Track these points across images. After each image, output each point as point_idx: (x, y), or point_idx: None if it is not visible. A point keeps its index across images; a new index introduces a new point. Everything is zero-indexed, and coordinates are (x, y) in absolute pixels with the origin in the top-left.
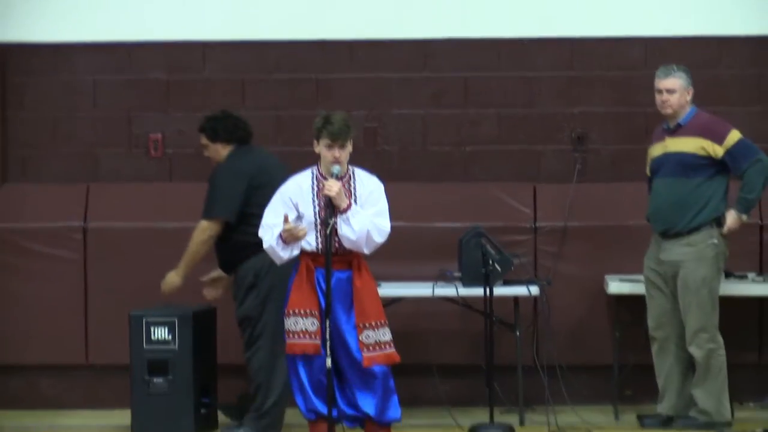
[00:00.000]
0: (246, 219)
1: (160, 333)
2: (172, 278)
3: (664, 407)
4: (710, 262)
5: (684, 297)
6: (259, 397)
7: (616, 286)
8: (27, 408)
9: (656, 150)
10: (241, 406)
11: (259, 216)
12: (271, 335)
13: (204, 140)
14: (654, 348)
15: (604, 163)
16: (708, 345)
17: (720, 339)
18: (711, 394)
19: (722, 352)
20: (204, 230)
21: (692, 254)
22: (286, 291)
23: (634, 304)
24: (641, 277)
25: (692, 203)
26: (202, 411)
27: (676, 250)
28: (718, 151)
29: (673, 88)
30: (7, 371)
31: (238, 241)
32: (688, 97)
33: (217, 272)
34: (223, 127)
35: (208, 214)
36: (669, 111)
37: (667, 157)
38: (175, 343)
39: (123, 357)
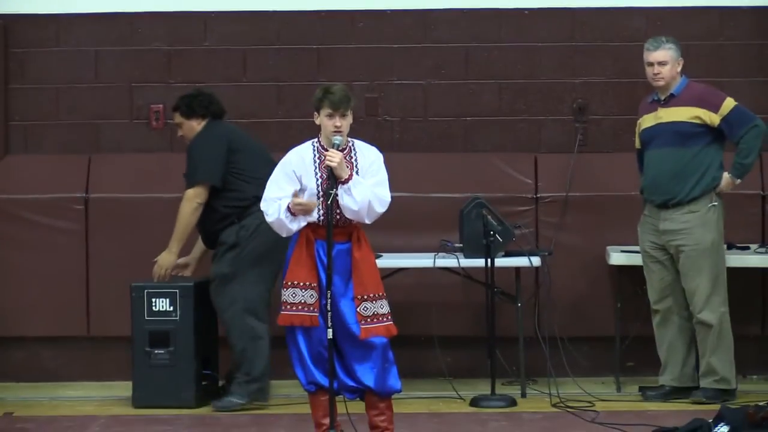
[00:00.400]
0: (227, 185)
1: (162, 304)
2: (166, 259)
3: (666, 379)
4: (714, 225)
5: (693, 264)
6: (246, 363)
7: (618, 257)
8: (28, 380)
9: (647, 121)
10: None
11: (241, 181)
12: (251, 301)
13: (178, 118)
14: (656, 320)
15: (605, 134)
16: (721, 308)
17: (727, 305)
18: (727, 361)
19: (728, 317)
20: (191, 199)
21: (696, 220)
22: (270, 259)
23: (635, 275)
24: None
25: (691, 172)
26: (204, 383)
27: (678, 219)
28: (714, 119)
29: (665, 60)
30: (8, 343)
31: (220, 209)
32: (679, 68)
33: (183, 259)
34: (198, 103)
35: (192, 181)
36: (661, 83)
37: (661, 128)
38: (176, 315)
39: (124, 329)
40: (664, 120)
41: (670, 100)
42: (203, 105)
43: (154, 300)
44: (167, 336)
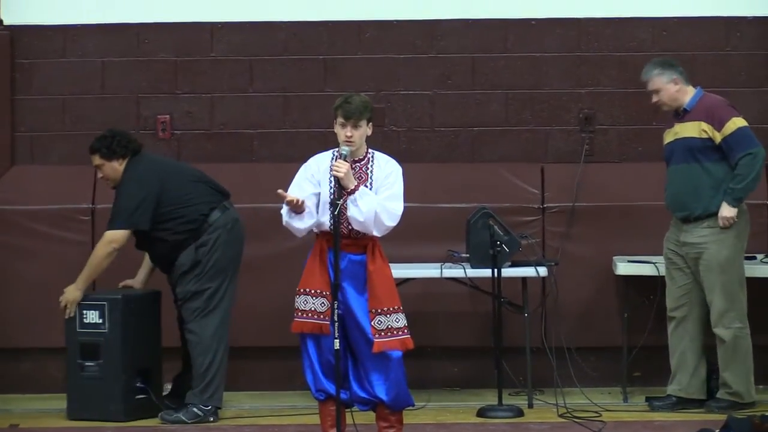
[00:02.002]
0: (168, 216)
1: (92, 316)
2: (73, 293)
3: (674, 388)
4: (732, 242)
5: (708, 278)
6: (212, 377)
7: (625, 267)
8: (35, 392)
9: (668, 137)
10: (177, 389)
11: (181, 208)
12: (224, 309)
13: (98, 160)
14: (670, 327)
15: (611, 144)
16: (734, 325)
17: (746, 319)
18: (741, 376)
19: (748, 332)
20: (109, 243)
21: (713, 235)
22: (234, 269)
23: (642, 284)
24: (650, 258)
25: (706, 187)
26: (137, 397)
27: (696, 233)
28: (716, 136)
29: (657, 88)
30: (15, 354)
31: (170, 239)
32: (678, 86)
33: (129, 281)
34: (117, 143)
35: (111, 225)
36: (665, 109)
37: (678, 143)
38: (105, 327)
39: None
40: (680, 135)
41: (685, 115)
42: (122, 144)
43: (85, 312)
44: (97, 348)
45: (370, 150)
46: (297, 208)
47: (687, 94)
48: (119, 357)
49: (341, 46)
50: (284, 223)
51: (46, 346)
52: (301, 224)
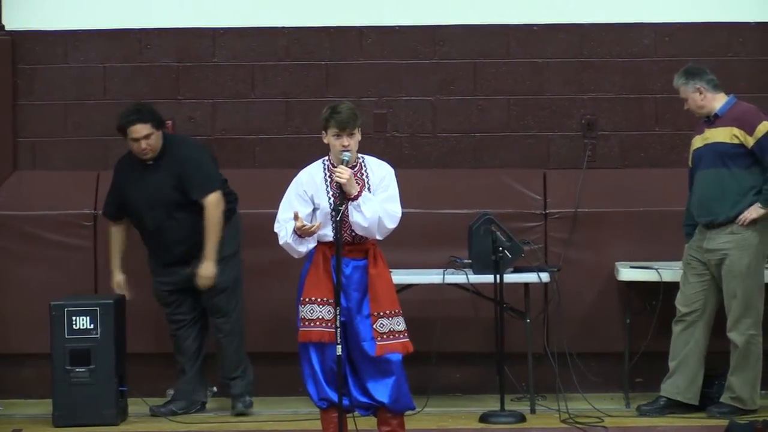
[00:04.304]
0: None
1: (82, 322)
2: (211, 269)
3: (669, 390)
4: (754, 250)
5: (729, 284)
6: (244, 358)
7: (627, 272)
8: (37, 397)
9: (697, 142)
10: (187, 392)
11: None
12: (243, 302)
13: (149, 129)
14: (677, 329)
15: (614, 150)
16: (749, 331)
17: (760, 327)
18: (747, 382)
19: (761, 339)
20: (218, 205)
21: (736, 242)
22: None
23: (644, 290)
24: (652, 264)
25: (732, 193)
26: (120, 400)
27: (719, 239)
28: (749, 141)
29: (685, 97)
30: (17, 360)
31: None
32: (703, 94)
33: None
34: (157, 113)
35: (214, 186)
36: (697, 115)
37: (707, 148)
38: (97, 332)
39: (135, 344)
40: (710, 140)
41: (715, 121)
42: (161, 117)
43: (74, 318)
44: (88, 354)
45: (359, 155)
46: (309, 234)
47: (716, 101)
48: (111, 362)
49: (343, 51)
50: (282, 243)
51: (48, 352)
52: (303, 247)
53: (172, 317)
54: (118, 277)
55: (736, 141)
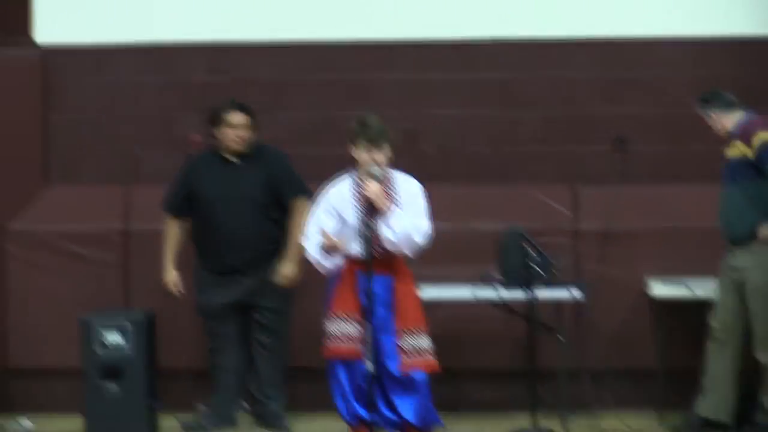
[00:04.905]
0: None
1: (113, 338)
2: (293, 270)
3: (702, 408)
4: None
5: (752, 303)
6: (283, 394)
7: (659, 288)
8: (69, 412)
9: (724, 161)
10: (225, 408)
11: None
12: None
13: (247, 120)
14: (712, 347)
15: (645, 165)
16: None
17: None
18: None
19: None
20: (307, 207)
21: (753, 261)
22: None
23: (677, 307)
24: (684, 280)
25: (744, 208)
26: (151, 415)
27: (740, 257)
28: (748, 152)
29: (708, 123)
30: (48, 374)
31: (282, 220)
32: (718, 117)
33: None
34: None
35: (306, 190)
36: (721, 137)
37: (725, 167)
38: (128, 348)
39: (167, 359)
40: (726, 158)
41: (729, 139)
42: None
43: (105, 333)
44: (119, 369)
45: (388, 170)
46: (337, 251)
47: (730, 120)
48: (141, 377)
49: (372, 67)
50: (311, 258)
51: (79, 367)
52: (329, 263)
53: (216, 331)
54: (173, 274)
55: (740, 155)
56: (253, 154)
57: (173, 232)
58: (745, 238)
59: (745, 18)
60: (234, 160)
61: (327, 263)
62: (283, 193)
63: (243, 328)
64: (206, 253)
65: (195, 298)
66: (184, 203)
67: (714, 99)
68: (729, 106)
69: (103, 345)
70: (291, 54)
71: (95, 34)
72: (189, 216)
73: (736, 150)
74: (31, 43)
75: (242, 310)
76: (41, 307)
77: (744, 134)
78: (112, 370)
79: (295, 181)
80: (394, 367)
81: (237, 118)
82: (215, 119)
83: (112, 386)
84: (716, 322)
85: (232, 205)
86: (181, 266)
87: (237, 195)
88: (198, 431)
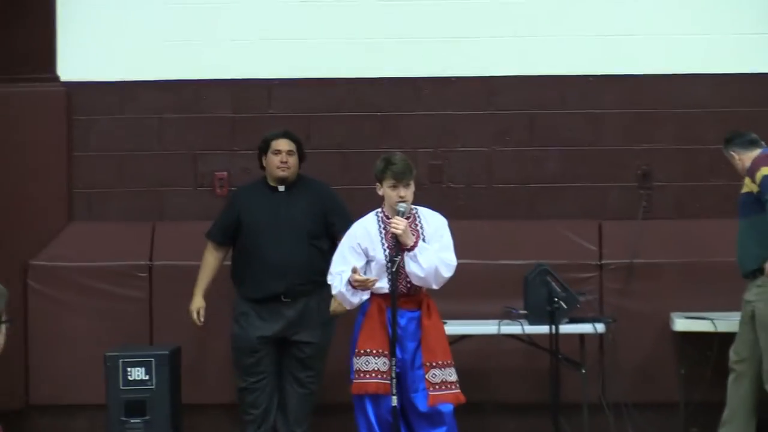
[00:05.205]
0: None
1: (138, 373)
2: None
3: None
4: None
5: (760, 337)
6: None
7: (682, 323)
8: None
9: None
10: None
11: None
12: None
13: (293, 147)
14: (730, 378)
15: (669, 201)
16: None
17: None
18: None
19: None
20: None
21: (760, 295)
22: None
23: (699, 341)
24: (707, 314)
25: (752, 243)
26: None
27: (751, 290)
28: (754, 188)
29: (731, 162)
30: (70, 410)
31: (328, 250)
32: (738, 157)
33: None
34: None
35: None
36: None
37: (738, 202)
38: (152, 383)
39: (195, 396)
40: (740, 193)
41: (745, 176)
42: None
43: (129, 369)
44: (143, 405)
45: (413, 206)
46: (366, 288)
47: (747, 158)
48: (167, 413)
49: (398, 102)
50: (336, 293)
51: (101, 403)
52: (356, 298)
53: (253, 369)
54: (200, 301)
55: (747, 190)
56: (299, 184)
57: (211, 261)
58: (753, 272)
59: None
60: (281, 188)
61: (354, 299)
62: (335, 223)
63: (277, 361)
64: (249, 281)
65: (232, 331)
66: (229, 232)
67: (735, 139)
68: (750, 145)
69: (128, 380)
70: (317, 91)
71: (119, 71)
72: (230, 246)
73: (746, 186)
74: (56, 79)
75: (279, 343)
76: (64, 343)
77: (751, 170)
78: (137, 405)
79: (346, 214)
80: (420, 401)
81: (282, 144)
82: (262, 146)
83: (136, 422)
84: (734, 354)
85: (280, 232)
86: (210, 299)
87: (285, 222)
88: None
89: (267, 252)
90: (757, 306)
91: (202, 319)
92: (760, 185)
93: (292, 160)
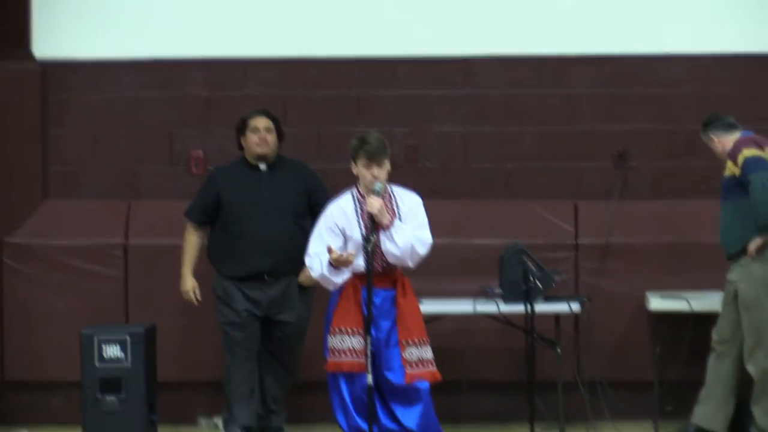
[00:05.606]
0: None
1: (113, 351)
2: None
3: (697, 417)
4: (760, 282)
5: (742, 316)
6: (283, 409)
7: (657, 302)
8: (68, 424)
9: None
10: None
11: None
12: None
13: (271, 125)
14: (711, 357)
15: (645, 181)
16: (763, 363)
17: None
18: (765, 412)
19: None
20: None
21: (743, 275)
22: None
23: (674, 320)
24: (682, 294)
25: (734, 225)
26: (150, 428)
27: (734, 271)
28: (736, 171)
29: (708, 146)
30: (48, 387)
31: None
32: (717, 140)
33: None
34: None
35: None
36: (722, 159)
37: (721, 185)
38: (128, 361)
39: (170, 374)
40: (723, 177)
41: (728, 159)
42: None
43: (104, 347)
44: (119, 382)
45: (389, 186)
46: (345, 264)
47: (729, 141)
48: (141, 390)
49: (375, 83)
50: (317, 275)
51: (78, 380)
52: (339, 278)
53: (243, 345)
54: (193, 282)
55: (731, 174)
56: (280, 164)
57: (194, 241)
58: (736, 253)
59: (744, 35)
60: (261, 167)
61: (338, 279)
62: (319, 203)
63: (261, 340)
64: (233, 259)
65: (219, 310)
66: (209, 212)
67: (714, 122)
68: (729, 128)
69: (103, 358)
70: (293, 70)
71: (94, 49)
72: (209, 225)
73: (728, 170)
74: (30, 57)
75: (263, 322)
76: (39, 320)
77: (732, 153)
78: (112, 383)
79: (327, 194)
80: (396, 378)
81: (260, 121)
82: (240, 126)
83: (111, 399)
84: (715, 333)
85: (264, 211)
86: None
87: (270, 201)
88: None
89: (252, 230)
90: (740, 286)
91: (199, 298)
92: (742, 167)
93: (271, 138)
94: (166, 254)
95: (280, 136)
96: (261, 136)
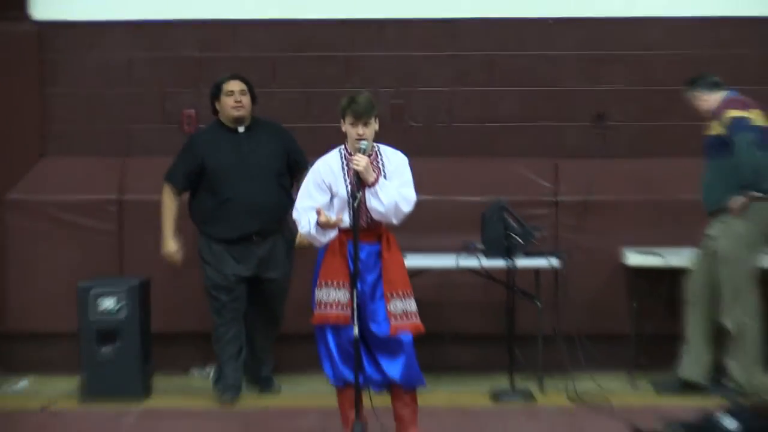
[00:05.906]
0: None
1: (108, 303)
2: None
3: (680, 369)
4: (738, 236)
5: (720, 272)
6: (272, 358)
7: (634, 258)
8: (63, 373)
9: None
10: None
11: None
12: None
13: (244, 87)
14: (687, 310)
15: (624, 140)
16: (740, 318)
17: (754, 311)
18: (743, 366)
19: (755, 325)
20: None
21: (723, 230)
22: None
23: (651, 275)
24: (659, 250)
25: (716, 183)
26: (145, 377)
27: (713, 227)
28: (721, 130)
29: (691, 104)
30: (43, 338)
31: (290, 189)
32: (702, 97)
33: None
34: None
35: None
36: (706, 117)
37: (705, 144)
38: (123, 314)
39: (164, 325)
40: (706, 135)
41: (712, 118)
42: None
43: (100, 299)
44: (114, 334)
45: (375, 144)
46: (332, 227)
47: (713, 100)
48: (136, 341)
49: (362, 43)
50: (305, 232)
51: (74, 331)
52: (326, 237)
53: (231, 306)
54: (174, 244)
55: (714, 133)
56: (256, 126)
57: (172, 205)
58: (717, 210)
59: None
60: (239, 129)
61: (324, 238)
62: (298, 161)
63: (246, 297)
64: (221, 222)
65: (206, 273)
66: (190, 177)
67: (699, 80)
68: (714, 86)
69: (99, 311)
70: (281, 32)
71: (90, 11)
72: (189, 190)
73: (713, 129)
74: (27, 18)
75: (250, 281)
76: (38, 273)
77: (717, 113)
78: (108, 334)
79: (302, 152)
80: (381, 330)
81: (234, 85)
82: (214, 91)
83: (107, 350)
84: (690, 285)
85: (249, 173)
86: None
87: (253, 163)
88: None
89: (238, 193)
90: (720, 242)
91: (180, 261)
92: (728, 128)
93: (246, 100)
94: (158, 209)
95: (254, 98)
96: (236, 98)
